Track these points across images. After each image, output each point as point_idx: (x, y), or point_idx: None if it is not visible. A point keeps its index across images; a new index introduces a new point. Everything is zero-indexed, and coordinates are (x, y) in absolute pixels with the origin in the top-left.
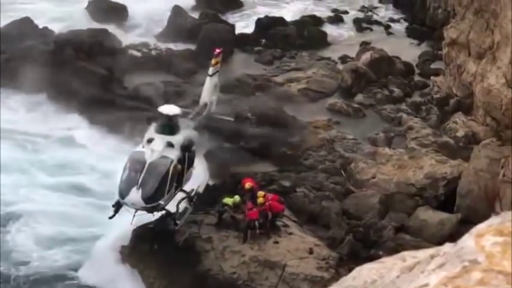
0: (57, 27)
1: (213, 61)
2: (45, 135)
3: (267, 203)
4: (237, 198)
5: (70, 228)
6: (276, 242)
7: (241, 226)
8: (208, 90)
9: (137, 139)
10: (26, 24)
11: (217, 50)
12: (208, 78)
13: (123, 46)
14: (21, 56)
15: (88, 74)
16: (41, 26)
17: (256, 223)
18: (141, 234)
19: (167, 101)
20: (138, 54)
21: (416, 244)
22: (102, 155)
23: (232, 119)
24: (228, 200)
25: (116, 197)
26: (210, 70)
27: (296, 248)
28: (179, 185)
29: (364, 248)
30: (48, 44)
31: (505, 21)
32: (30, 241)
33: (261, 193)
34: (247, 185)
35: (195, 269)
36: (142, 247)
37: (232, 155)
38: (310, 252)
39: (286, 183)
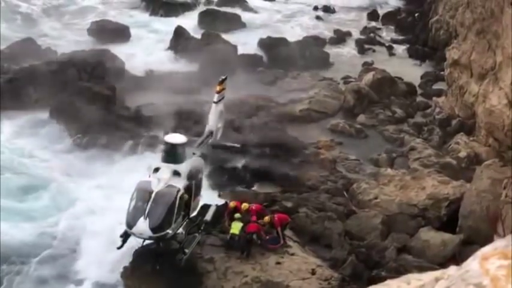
0: (60, 48)
1: (217, 88)
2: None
3: (275, 217)
4: (240, 225)
5: None
6: (279, 263)
7: (241, 242)
8: (214, 118)
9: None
10: (28, 44)
11: (222, 77)
12: (213, 106)
13: (125, 66)
14: (24, 76)
15: (91, 94)
16: (43, 47)
17: (254, 236)
18: (143, 254)
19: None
20: (141, 74)
21: (418, 265)
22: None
23: (239, 146)
24: (235, 230)
25: (124, 228)
26: (215, 97)
27: (298, 268)
28: (187, 214)
29: (366, 268)
30: (51, 64)
31: (507, 42)
32: None
33: (245, 205)
34: (237, 215)
35: None
36: (144, 268)
37: (234, 176)
38: (313, 272)
39: (289, 204)
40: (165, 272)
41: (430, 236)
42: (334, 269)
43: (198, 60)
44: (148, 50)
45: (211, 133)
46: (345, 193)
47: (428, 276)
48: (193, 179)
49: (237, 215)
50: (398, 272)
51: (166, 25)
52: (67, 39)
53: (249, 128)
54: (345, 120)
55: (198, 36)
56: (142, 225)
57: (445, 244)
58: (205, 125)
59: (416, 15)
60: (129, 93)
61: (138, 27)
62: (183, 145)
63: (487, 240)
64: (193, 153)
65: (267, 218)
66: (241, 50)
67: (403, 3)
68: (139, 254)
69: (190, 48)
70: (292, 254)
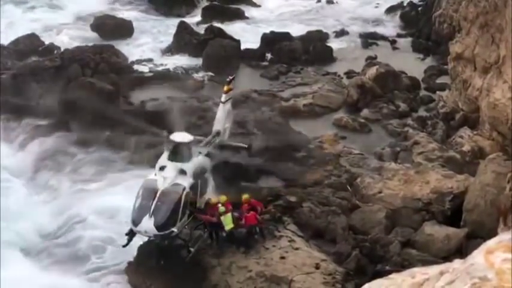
0: (63, 43)
1: (225, 88)
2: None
3: (252, 200)
4: (230, 216)
5: None
6: (283, 257)
7: (241, 236)
8: (221, 118)
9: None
10: (32, 40)
11: (230, 77)
12: (221, 105)
13: (129, 62)
14: (28, 72)
15: (94, 90)
16: (47, 42)
17: (257, 229)
18: (147, 250)
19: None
20: (144, 69)
21: (422, 259)
22: None
23: (246, 146)
24: (230, 225)
25: (129, 225)
26: (223, 97)
27: (302, 263)
28: (192, 212)
29: (370, 263)
30: (54, 60)
31: (511, 36)
32: None
33: (223, 197)
34: (221, 209)
35: (201, 285)
36: (149, 263)
37: (237, 171)
38: (317, 267)
39: (293, 198)
40: (170, 267)
41: (434, 230)
42: (338, 264)
43: (201, 55)
44: (151, 44)
45: (218, 133)
46: (348, 187)
47: (433, 269)
48: (199, 177)
49: (222, 209)
50: (403, 266)
51: (170, 20)
52: (70, 34)
53: (253, 123)
54: (349, 115)
55: (202, 31)
56: (148, 223)
57: (449, 238)
58: (209, 121)
59: (419, 9)
60: (132, 89)
61: (141, 22)
62: (189, 144)
63: (491, 234)
64: (199, 153)
65: (246, 196)
66: (244, 45)
67: None
68: (144, 250)
69: (194, 43)
70: (297, 249)
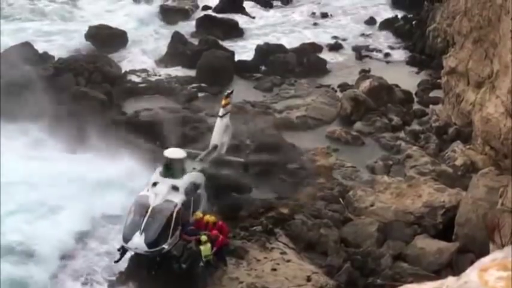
0: (57, 53)
1: (223, 102)
2: None
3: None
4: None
5: None
6: (274, 269)
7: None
8: (218, 132)
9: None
10: (26, 49)
11: (228, 91)
12: (218, 120)
13: (122, 72)
14: (21, 80)
15: (87, 100)
16: (41, 51)
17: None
18: (138, 259)
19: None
20: (138, 80)
21: (414, 272)
22: None
23: (242, 160)
24: (207, 252)
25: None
26: (221, 111)
27: (294, 275)
28: (184, 229)
29: (362, 276)
30: (47, 69)
31: (504, 51)
32: None
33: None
34: (203, 238)
35: None
36: (140, 273)
37: (230, 182)
38: (308, 279)
39: (285, 211)
40: (161, 277)
41: (426, 244)
42: (329, 276)
43: (195, 66)
44: (145, 55)
45: (215, 147)
46: (341, 200)
47: (427, 286)
48: (192, 194)
49: (204, 238)
50: (394, 279)
51: (164, 30)
52: (65, 44)
53: (246, 135)
54: (342, 128)
55: (196, 42)
56: (138, 240)
57: (440, 252)
58: (202, 132)
59: (413, 23)
60: (126, 99)
61: (136, 32)
62: (182, 160)
63: (483, 248)
64: (194, 168)
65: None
66: (238, 56)
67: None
68: (135, 260)
69: (188, 54)
70: (288, 261)
